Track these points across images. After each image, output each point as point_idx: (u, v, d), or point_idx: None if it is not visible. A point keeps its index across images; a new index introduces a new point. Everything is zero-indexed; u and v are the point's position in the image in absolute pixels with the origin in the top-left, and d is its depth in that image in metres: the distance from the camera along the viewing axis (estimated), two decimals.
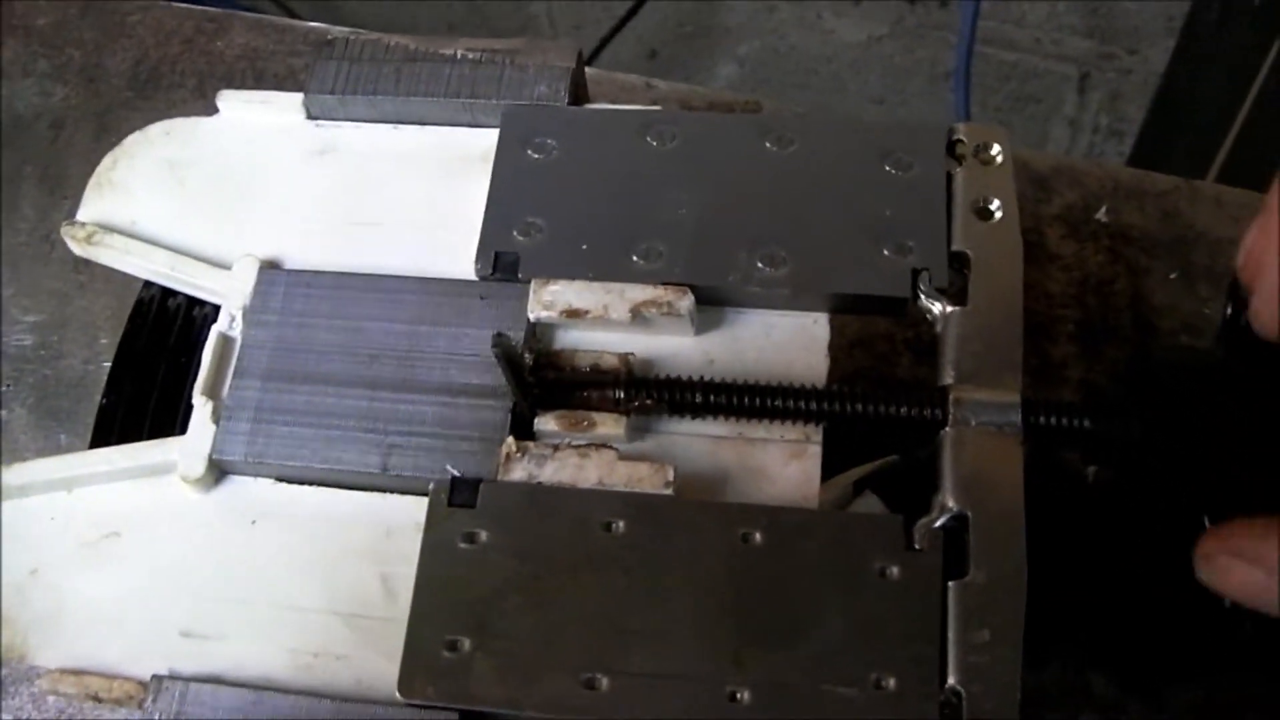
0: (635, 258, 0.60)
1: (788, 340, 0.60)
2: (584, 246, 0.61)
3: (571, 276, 0.60)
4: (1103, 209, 0.79)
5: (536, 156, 0.64)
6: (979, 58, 1.56)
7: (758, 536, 0.54)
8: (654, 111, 0.66)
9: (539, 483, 0.56)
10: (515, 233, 0.62)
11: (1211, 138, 1.32)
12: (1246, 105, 1.26)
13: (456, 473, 0.57)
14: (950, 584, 0.52)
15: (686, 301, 0.59)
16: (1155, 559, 0.58)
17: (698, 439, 0.59)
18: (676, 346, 0.61)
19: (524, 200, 0.63)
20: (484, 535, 0.55)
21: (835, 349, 0.60)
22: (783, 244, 0.60)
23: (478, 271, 0.61)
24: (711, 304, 0.61)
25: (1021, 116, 1.80)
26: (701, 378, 0.58)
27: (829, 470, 0.59)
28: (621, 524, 0.55)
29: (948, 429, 0.55)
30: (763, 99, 0.83)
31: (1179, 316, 0.75)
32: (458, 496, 0.56)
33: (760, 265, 0.60)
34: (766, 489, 0.57)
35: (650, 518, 0.55)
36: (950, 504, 0.54)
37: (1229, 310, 0.54)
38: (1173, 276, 0.77)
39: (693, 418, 0.59)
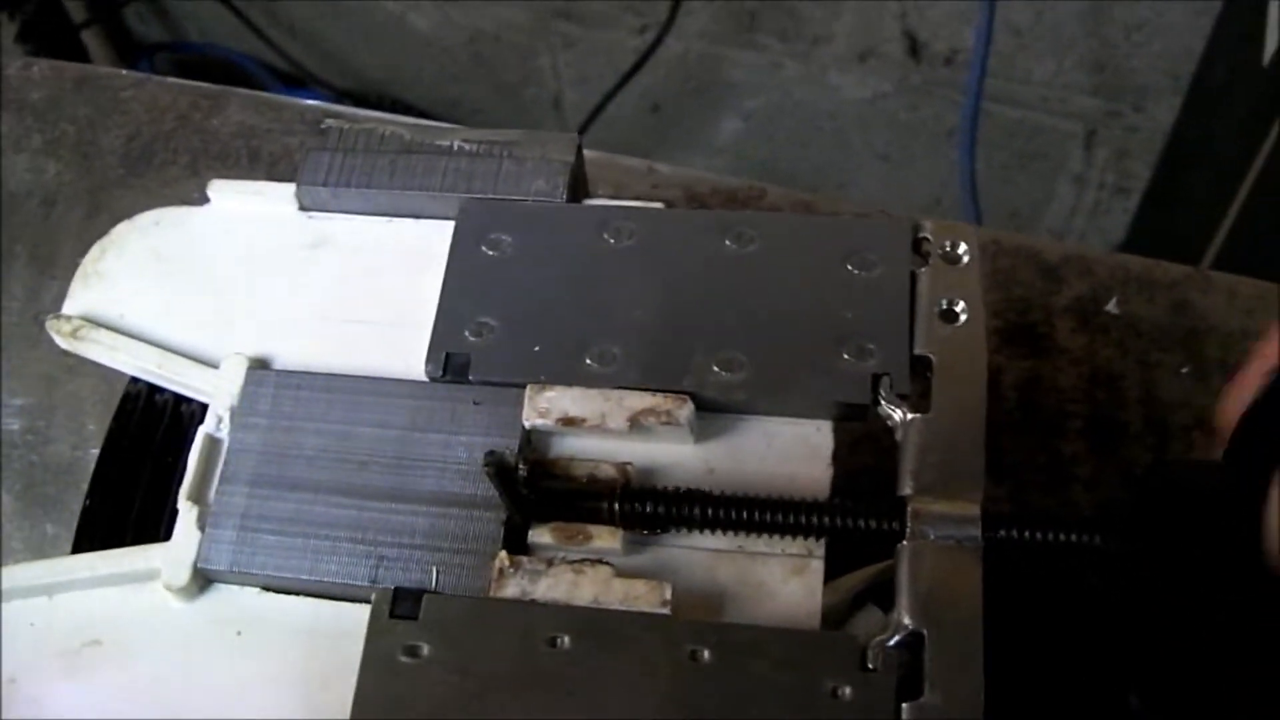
0: (589, 360, 0.59)
1: (789, 449, 0.59)
2: (537, 348, 0.59)
3: (523, 380, 0.59)
4: (1113, 300, 0.77)
5: (491, 253, 0.63)
6: (984, 115, 1.55)
7: (706, 654, 0.52)
8: (611, 207, 0.65)
9: (492, 597, 0.55)
10: (467, 333, 0.60)
11: (1220, 196, 1.31)
12: (1257, 163, 1.25)
13: (435, 587, 0.55)
14: (905, 705, 0.50)
15: (686, 410, 0.57)
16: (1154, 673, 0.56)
17: (697, 552, 0.57)
18: (676, 455, 0.59)
19: (477, 299, 0.61)
20: (426, 649, 0.53)
21: (838, 448, 0.58)
22: (741, 347, 0.58)
23: (428, 373, 0.60)
24: (708, 410, 0.59)
25: (1027, 173, 1.78)
26: (699, 490, 0.56)
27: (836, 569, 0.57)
28: (567, 640, 0.53)
29: (905, 542, 0.54)
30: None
31: (1190, 412, 0.74)
32: (400, 608, 0.55)
33: (716, 369, 0.58)
34: (767, 605, 0.55)
35: (596, 634, 0.53)
36: (906, 621, 0.52)
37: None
38: (1184, 370, 0.75)
39: (691, 531, 0.57)
